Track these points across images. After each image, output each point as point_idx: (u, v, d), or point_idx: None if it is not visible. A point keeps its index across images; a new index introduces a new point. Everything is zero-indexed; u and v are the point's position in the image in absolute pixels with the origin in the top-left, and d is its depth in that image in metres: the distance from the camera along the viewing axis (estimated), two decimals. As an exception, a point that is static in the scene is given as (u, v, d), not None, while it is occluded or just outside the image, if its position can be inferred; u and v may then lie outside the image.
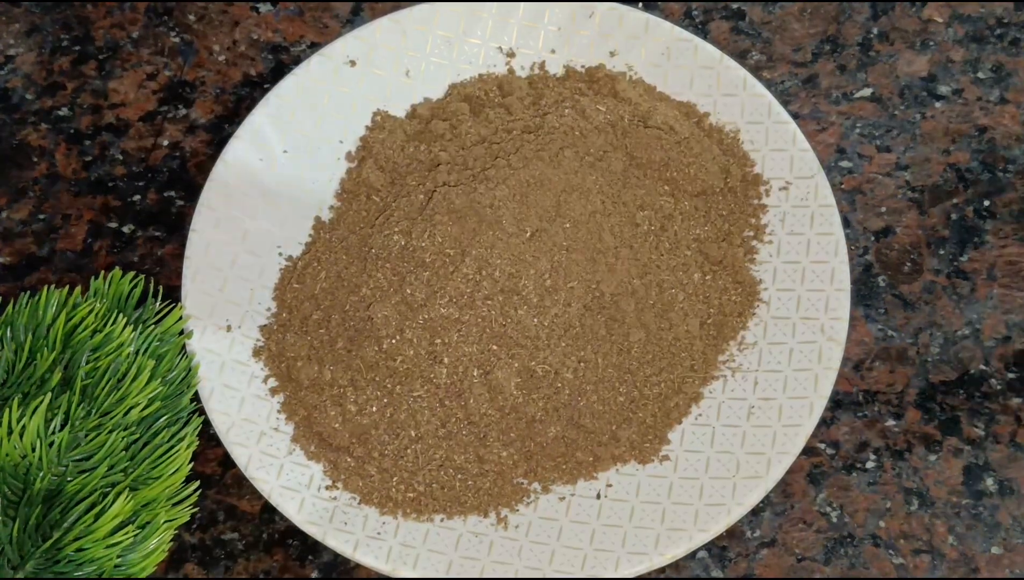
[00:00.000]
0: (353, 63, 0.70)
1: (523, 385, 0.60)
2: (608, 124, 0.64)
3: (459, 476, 0.60)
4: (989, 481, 0.54)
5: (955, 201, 0.60)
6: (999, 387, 0.55)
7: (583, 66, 0.71)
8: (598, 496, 0.60)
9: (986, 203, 0.59)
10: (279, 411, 0.62)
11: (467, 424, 0.60)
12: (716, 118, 0.69)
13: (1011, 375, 0.55)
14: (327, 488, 0.60)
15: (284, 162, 0.68)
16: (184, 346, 0.60)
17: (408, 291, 0.60)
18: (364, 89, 0.70)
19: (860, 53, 0.65)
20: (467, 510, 0.60)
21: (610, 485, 0.60)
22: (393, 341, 0.60)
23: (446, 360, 0.60)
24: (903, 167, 0.59)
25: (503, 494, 0.60)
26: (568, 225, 0.60)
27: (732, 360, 0.63)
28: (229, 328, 0.63)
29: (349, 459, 0.60)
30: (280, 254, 0.66)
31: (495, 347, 0.60)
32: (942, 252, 0.60)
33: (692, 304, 0.63)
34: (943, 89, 0.61)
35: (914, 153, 0.58)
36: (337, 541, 0.58)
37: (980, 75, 0.61)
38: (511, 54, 0.71)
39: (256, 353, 0.63)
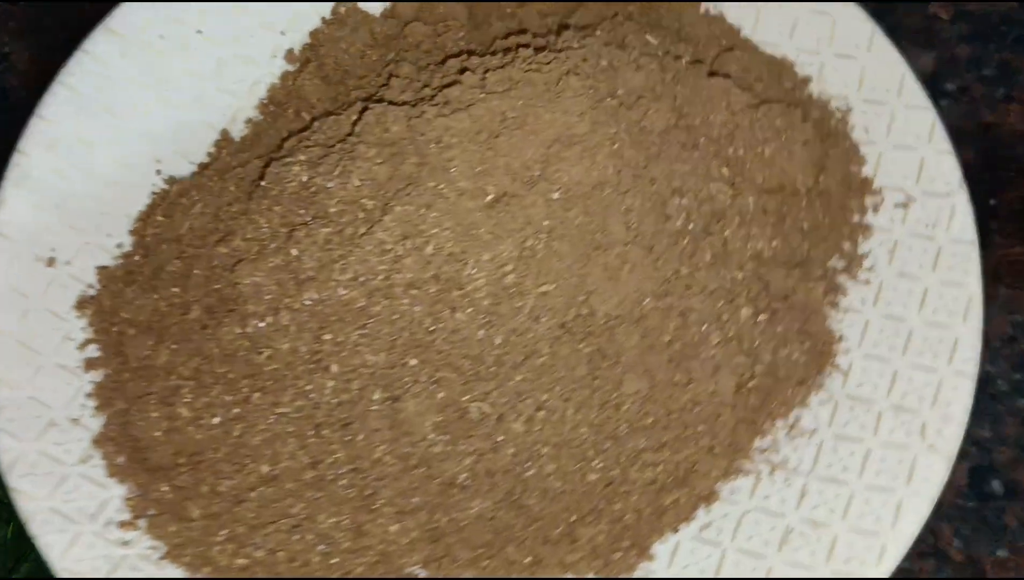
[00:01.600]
0: None
1: (445, 428, 0.39)
2: (654, 59, 0.42)
3: (321, 547, 0.39)
4: (995, 483, 0.52)
5: None
6: (1005, 388, 0.53)
7: (647, -13, 0.49)
8: (526, 619, 0.39)
9: (991, 202, 0.56)
10: (88, 395, 0.42)
11: (350, 471, 0.39)
12: (821, 87, 0.46)
13: (1017, 376, 0.53)
14: (121, 525, 0.39)
15: (196, 46, 0.48)
16: None
17: (294, 252, 0.39)
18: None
19: None
20: (323, 601, 0.39)
21: (548, 606, 0.39)
22: (262, 324, 0.39)
23: (335, 369, 0.39)
24: None
25: (384, 588, 0.39)
26: (557, 195, 0.38)
27: (775, 451, 0.41)
28: (52, 261, 0.43)
29: (166, 488, 0.40)
30: (158, 172, 0.46)
31: (413, 362, 0.39)
32: None
33: (730, 353, 0.41)
34: (948, 86, 0.59)
35: None
36: (109, 611, 0.38)
37: (985, 73, 0.60)
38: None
39: (81, 304, 0.43)
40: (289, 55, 0.49)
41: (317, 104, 0.46)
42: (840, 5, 0.46)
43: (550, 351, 0.39)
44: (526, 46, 0.42)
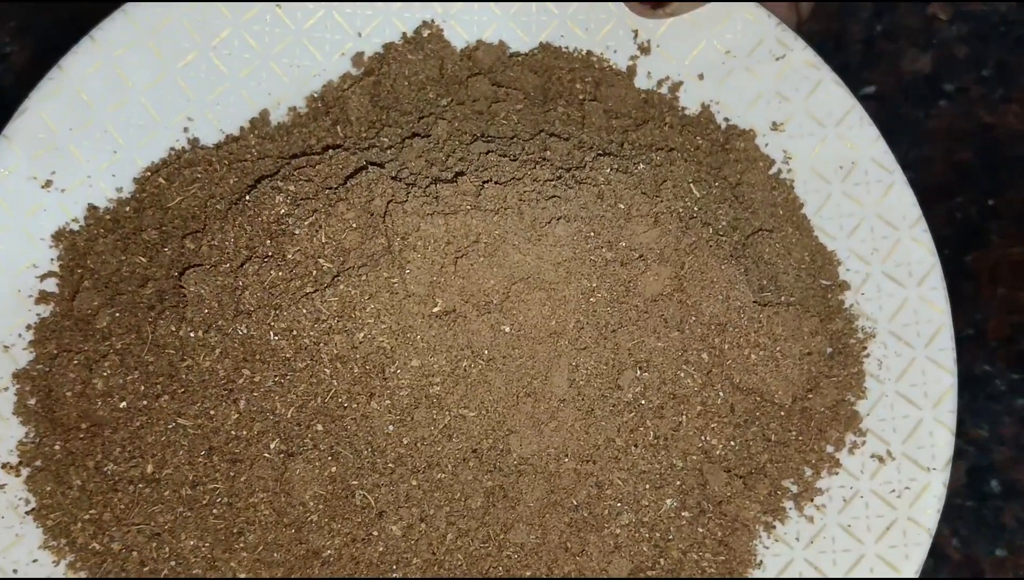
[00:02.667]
0: None
1: (326, 501, 0.38)
2: (680, 219, 0.40)
3: (172, 563, 0.39)
4: (993, 483, 0.52)
5: (958, 200, 0.58)
6: (1003, 388, 0.53)
7: (727, 120, 0.46)
8: None
9: (990, 202, 0.57)
10: (28, 326, 0.42)
11: (225, 504, 0.39)
12: (856, 300, 0.43)
13: (1015, 376, 0.53)
14: (4, 467, 0.40)
15: (264, 16, 0.47)
16: None
17: (240, 282, 0.38)
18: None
19: (864, 51, 0.62)
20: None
21: None
22: (192, 334, 0.39)
23: (243, 404, 0.39)
24: (906, 166, 0.53)
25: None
26: (507, 329, 0.37)
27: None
28: (49, 184, 0.44)
29: (58, 447, 0.40)
30: (186, 131, 0.46)
31: (319, 428, 0.38)
32: (946, 252, 0.57)
33: (635, 538, 0.39)
34: (947, 87, 0.60)
35: (918, 152, 0.57)
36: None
37: (984, 73, 0.60)
38: (644, 49, 0.47)
39: (59, 235, 0.43)
40: (357, 59, 0.47)
41: (354, 123, 0.45)
42: (911, 226, 0.43)
43: (452, 471, 0.38)
44: (550, 164, 0.39)
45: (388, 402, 0.37)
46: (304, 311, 0.37)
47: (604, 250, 0.38)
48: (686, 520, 0.39)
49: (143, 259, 0.42)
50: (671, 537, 0.39)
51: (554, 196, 0.37)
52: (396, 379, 0.37)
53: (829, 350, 0.42)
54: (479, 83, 0.45)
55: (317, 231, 0.37)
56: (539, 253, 0.36)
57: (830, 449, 0.41)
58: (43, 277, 0.43)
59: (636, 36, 0.47)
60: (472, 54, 0.47)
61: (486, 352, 0.37)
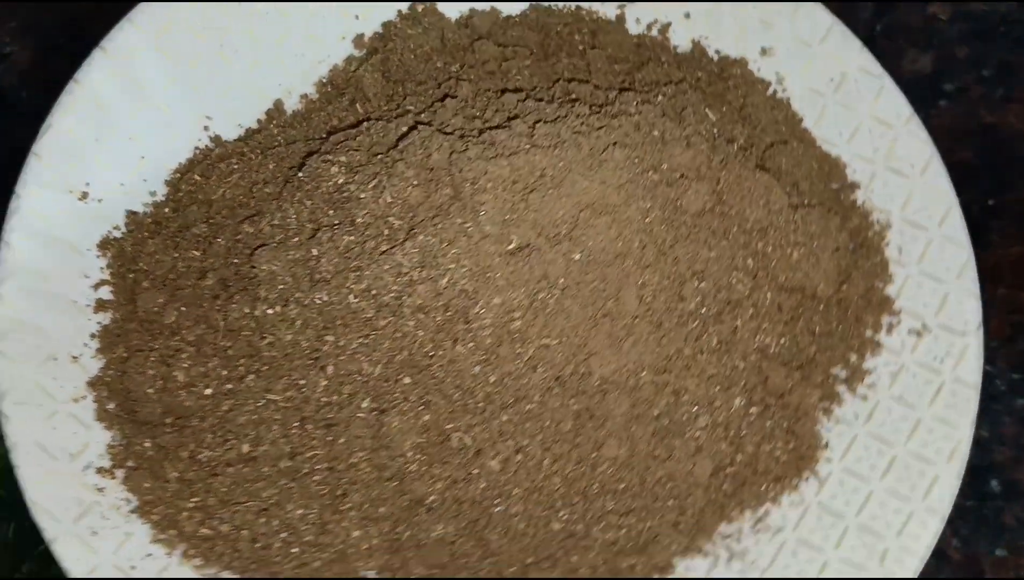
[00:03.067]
0: None
1: (424, 449, 0.40)
2: (706, 140, 0.42)
3: (283, 535, 0.40)
4: (994, 483, 0.52)
5: (959, 200, 0.54)
6: (1004, 388, 0.53)
7: (719, 52, 0.49)
8: (462, 651, 0.40)
9: (991, 202, 0.56)
10: (93, 335, 0.43)
11: (326, 469, 0.40)
12: (867, 197, 0.46)
13: (1015, 376, 0.53)
14: (99, 471, 0.41)
15: (264, 10, 0.48)
16: None
17: (315, 252, 0.40)
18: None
19: None
20: (272, 585, 0.40)
21: (485, 644, 0.40)
22: (270, 311, 0.40)
23: (330, 370, 0.40)
24: None
25: (333, 587, 0.40)
26: (578, 256, 0.39)
27: (737, 540, 0.42)
28: (85, 196, 0.44)
29: (148, 444, 0.41)
30: (206, 129, 0.47)
31: (407, 380, 0.40)
32: None
33: (714, 438, 0.42)
34: (947, 87, 0.59)
35: None
36: (68, 549, 0.39)
37: (985, 73, 0.59)
38: (630, -4, 0.50)
39: (104, 244, 0.44)
40: (358, 40, 0.49)
41: (372, 99, 0.46)
42: (905, 123, 0.46)
43: (540, 400, 0.40)
44: (583, 102, 0.42)
45: (472, 344, 0.39)
46: (386, 267, 0.38)
47: (651, 173, 0.40)
48: (755, 415, 0.42)
49: (196, 253, 0.43)
50: (744, 433, 0.42)
51: (601, 126, 0.40)
52: (479, 320, 0.39)
53: (852, 245, 0.45)
54: (484, 46, 0.47)
55: (381, 192, 0.39)
56: (602, 178, 0.39)
57: (869, 333, 0.44)
58: (97, 286, 0.43)
59: None
60: (468, 22, 0.49)
61: (561, 281, 0.39)
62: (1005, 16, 0.61)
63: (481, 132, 0.40)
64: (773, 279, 0.43)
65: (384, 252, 0.39)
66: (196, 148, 0.46)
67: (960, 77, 0.59)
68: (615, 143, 0.39)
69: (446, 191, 0.39)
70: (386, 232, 0.39)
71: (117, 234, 0.44)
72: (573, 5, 0.50)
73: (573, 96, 0.43)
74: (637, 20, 0.50)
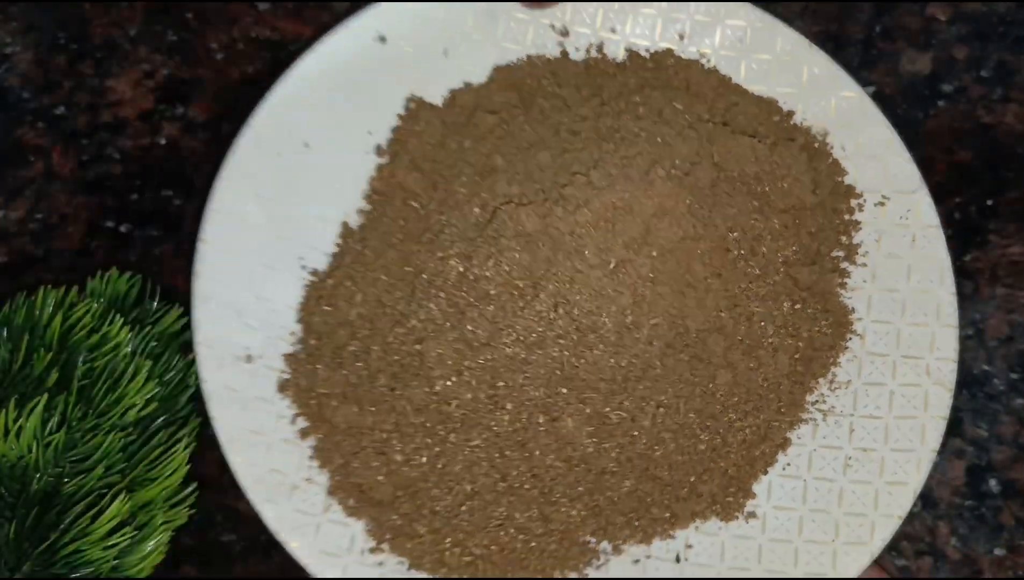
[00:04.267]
0: (383, 39, 0.60)
1: (595, 433, 0.52)
2: (691, 128, 0.55)
3: (521, 537, 0.53)
4: (992, 482, 0.53)
5: (958, 200, 0.58)
6: (1002, 388, 0.54)
7: (648, 50, 0.62)
8: (677, 559, 0.53)
9: (989, 202, 0.57)
10: (311, 458, 0.54)
11: (531, 477, 0.52)
12: (801, 117, 0.60)
13: (1014, 376, 0.54)
14: (371, 551, 0.52)
15: (304, 158, 0.59)
16: (181, 348, 0.56)
17: (469, 328, 0.51)
18: (395, 70, 0.60)
19: (863, 51, 0.62)
20: (530, 574, 0.52)
21: (690, 546, 0.53)
22: (448, 383, 0.52)
23: (509, 406, 0.52)
24: None
25: (570, 556, 0.53)
26: (656, 253, 0.52)
27: (823, 401, 0.56)
28: (249, 358, 0.54)
29: (395, 517, 0.52)
30: (303, 267, 0.57)
31: (565, 391, 0.52)
32: None
33: (782, 338, 0.55)
34: (946, 87, 0.59)
35: (917, 152, 0.57)
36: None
37: (983, 73, 0.59)
38: (564, 33, 0.62)
39: (282, 387, 0.55)
40: (379, 150, 0.60)
41: (421, 192, 0.57)
42: (808, 49, 0.60)
43: (661, 365, 0.53)
44: (600, 139, 0.54)
45: (602, 345, 0.51)
46: (531, 317, 0.50)
47: (673, 171, 0.53)
48: (800, 309, 0.56)
49: (360, 364, 0.54)
50: (798, 325, 0.56)
51: (636, 156, 0.52)
52: (603, 327, 0.51)
53: (808, 157, 0.59)
54: (482, 118, 0.59)
55: (499, 266, 0.51)
56: (654, 192, 0.51)
57: (847, 217, 0.59)
58: (292, 420, 0.54)
59: (553, 28, 0.61)
60: (454, 103, 0.60)
61: (650, 275, 0.51)
62: (1003, 17, 0.59)
63: (547, 196, 0.52)
64: (774, 208, 0.56)
65: (523, 307, 0.51)
66: (304, 284, 0.57)
67: (959, 77, 0.58)
68: (654, 162, 0.52)
69: (546, 247, 0.51)
70: (515, 293, 0.51)
71: (286, 376, 0.55)
72: (524, 55, 0.62)
73: (584, 136, 0.55)
74: (576, 48, 0.62)
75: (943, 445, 0.54)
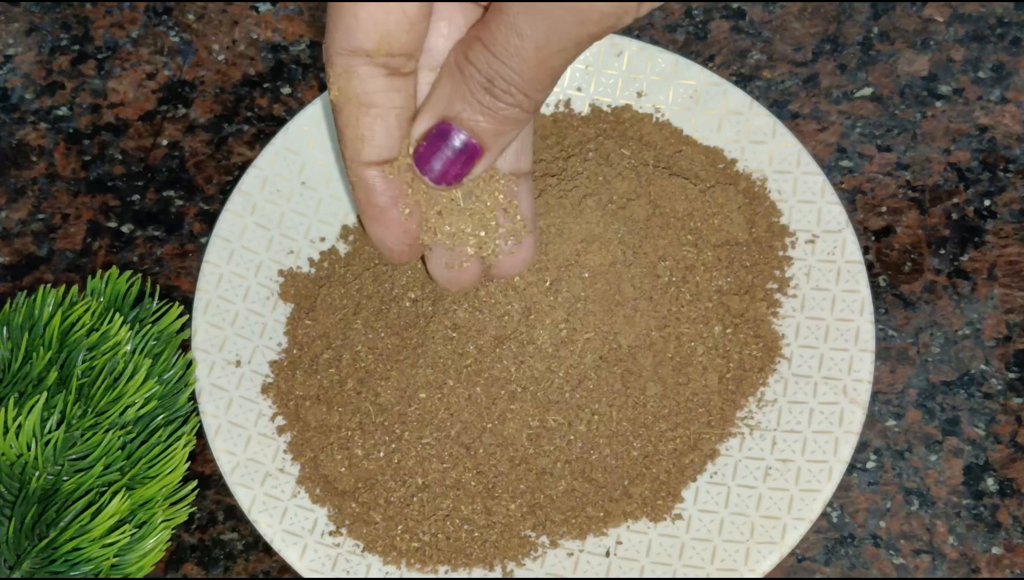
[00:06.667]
0: None
1: (534, 437, 0.59)
2: (632, 170, 0.62)
3: (465, 527, 0.59)
4: (990, 481, 0.54)
5: (956, 201, 0.59)
6: (999, 387, 0.55)
7: (610, 106, 0.69)
8: (607, 554, 0.59)
9: (987, 203, 0.58)
10: (285, 451, 0.61)
11: (476, 474, 0.59)
12: (744, 165, 0.67)
13: (1012, 375, 0.55)
14: (331, 534, 0.59)
15: (300, 195, 0.67)
16: (180, 346, 0.60)
17: (420, 354, 0.58)
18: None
19: (860, 52, 0.64)
20: (472, 563, 0.58)
21: (620, 542, 0.59)
22: (423, 395, 0.59)
23: (456, 413, 0.58)
24: (904, 167, 0.58)
25: (510, 547, 0.59)
26: (587, 275, 0.58)
27: (751, 417, 0.62)
28: (239, 363, 0.62)
29: (354, 505, 0.59)
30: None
31: (505, 397, 0.58)
32: (943, 252, 0.59)
33: (711, 358, 0.61)
34: (944, 89, 0.60)
35: (915, 153, 0.59)
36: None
37: (981, 74, 0.60)
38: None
39: (265, 389, 0.62)
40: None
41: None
42: (750, 107, 0.67)
43: (595, 376, 0.59)
44: (547, 174, 0.62)
45: (540, 356, 0.58)
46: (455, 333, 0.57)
47: (609, 205, 0.60)
48: (731, 333, 0.62)
49: (332, 370, 0.61)
50: (728, 348, 0.62)
51: (572, 189, 0.59)
52: (540, 340, 0.58)
53: (747, 200, 0.65)
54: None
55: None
56: (585, 220, 0.58)
57: (781, 253, 0.65)
58: (272, 418, 0.61)
59: None
60: None
61: (582, 294, 0.58)
62: (1001, 18, 0.60)
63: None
64: (708, 242, 0.63)
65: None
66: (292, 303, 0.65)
67: (956, 79, 0.59)
68: (585, 196, 0.59)
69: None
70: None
71: (270, 380, 0.63)
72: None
73: (535, 174, 0.62)
74: (547, 104, 0.70)
75: (940, 444, 0.56)
